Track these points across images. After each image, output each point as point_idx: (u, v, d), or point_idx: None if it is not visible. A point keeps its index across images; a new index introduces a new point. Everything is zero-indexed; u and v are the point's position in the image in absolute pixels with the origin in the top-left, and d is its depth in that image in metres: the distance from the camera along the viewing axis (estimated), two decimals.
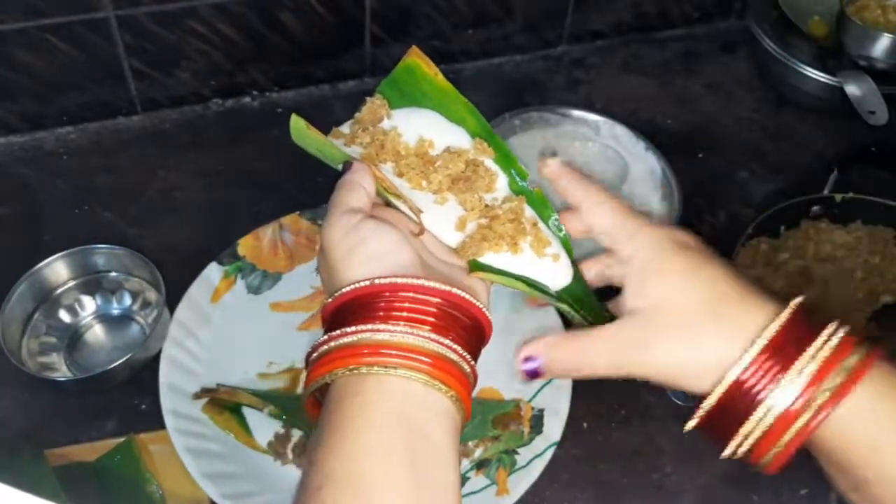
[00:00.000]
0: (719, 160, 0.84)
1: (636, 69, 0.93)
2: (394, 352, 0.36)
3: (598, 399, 0.65)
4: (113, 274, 0.66)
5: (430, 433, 0.36)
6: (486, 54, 0.90)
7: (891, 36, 0.79)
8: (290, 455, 0.58)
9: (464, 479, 0.58)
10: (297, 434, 0.59)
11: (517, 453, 0.59)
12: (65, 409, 0.60)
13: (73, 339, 0.64)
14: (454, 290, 0.38)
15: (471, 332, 0.39)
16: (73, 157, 0.76)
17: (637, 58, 0.94)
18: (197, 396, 0.59)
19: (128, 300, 0.66)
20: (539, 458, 0.58)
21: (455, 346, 0.37)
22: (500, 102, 0.85)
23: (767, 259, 0.70)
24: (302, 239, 0.69)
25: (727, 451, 0.40)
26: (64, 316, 0.64)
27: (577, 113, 0.81)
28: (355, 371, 0.36)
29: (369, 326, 0.37)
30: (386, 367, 0.36)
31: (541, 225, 0.46)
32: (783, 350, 0.37)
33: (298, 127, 0.45)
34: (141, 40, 0.73)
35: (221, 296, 0.65)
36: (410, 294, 0.37)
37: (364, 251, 0.39)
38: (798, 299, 0.39)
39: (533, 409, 0.61)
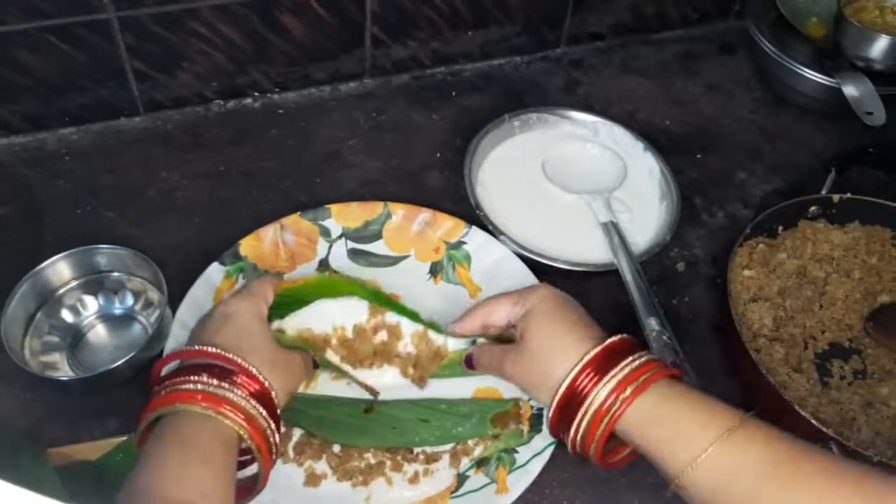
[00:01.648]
0: (717, 160, 0.84)
1: (635, 70, 0.93)
2: (228, 407, 0.50)
3: None
4: (115, 274, 0.66)
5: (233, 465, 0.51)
6: (486, 56, 0.90)
7: (888, 37, 0.79)
8: (290, 454, 0.59)
9: (464, 478, 0.58)
10: (297, 433, 0.60)
11: (517, 452, 0.59)
12: (67, 408, 0.61)
13: (75, 338, 0.64)
14: (267, 384, 0.53)
15: (276, 419, 0.53)
16: (76, 157, 0.77)
17: (636, 59, 0.94)
18: None
19: (130, 300, 0.66)
20: (538, 456, 0.58)
21: (269, 418, 0.52)
22: (499, 104, 0.85)
23: (765, 259, 0.71)
24: (303, 239, 0.70)
25: (569, 446, 0.54)
26: (66, 315, 0.65)
27: (575, 114, 0.82)
28: (192, 408, 0.49)
29: (224, 384, 0.51)
30: (218, 413, 0.49)
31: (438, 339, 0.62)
32: (602, 367, 0.52)
33: None
34: (143, 41, 0.74)
35: (223, 296, 0.65)
36: (242, 376, 0.52)
37: (252, 343, 0.55)
38: (617, 337, 0.54)
39: (532, 407, 0.61)
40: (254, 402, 0.50)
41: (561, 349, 0.54)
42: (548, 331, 0.55)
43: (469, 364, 0.60)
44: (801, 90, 0.86)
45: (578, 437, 0.53)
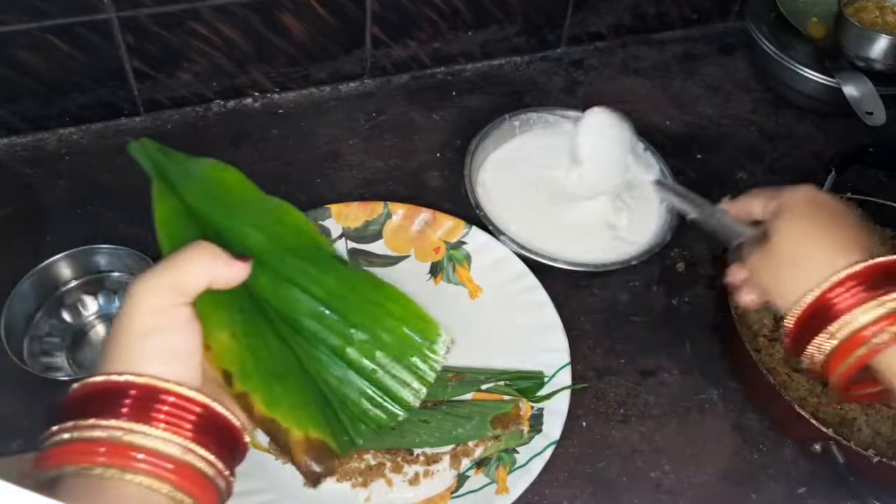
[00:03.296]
0: (717, 160, 0.84)
1: (635, 70, 0.93)
2: (142, 457, 0.32)
3: (598, 398, 0.65)
4: (115, 274, 0.66)
5: None
6: (486, 56, 0.90)
7: (888, 37, 0.79)
8: None
9: (464, 478, 0.58)
10: None
11: (517, 452, 0.59)
12: None
13: (75, 338, 0.64)
14: (216, 406, 0.35)
15: (229, 447, 0.36)
16: (76, 157, 0.77)
17: (636, 59, 0.94)
18: None
19: None
20: (538, 456, 0.58)
21: (214, 461, 0.35)
22: (499, 104, 0.85)
23: None
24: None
25: (805, 360, 0.47)
26: (66, 316, 0.65)
27: (576, 115, 0.81)
28: (87, 471, 0.32)
29: (121, 424, 0.33)
30: (126, 471, 0.32)
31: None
32: (872, 284, 0.44)
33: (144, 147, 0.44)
34: (143, 41, 0.74)
35: None
36: (172, 399, 0.34)
37: (157, 341, 0.35)
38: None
39: (532, 408, 0.61)
40: (185, 440, 0.34)
41: (816, 254, 0.47)
42: (801, 231, 0.48)
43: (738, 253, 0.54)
44: (801, 90, 0.86)
45: (820, 357, 0.46)
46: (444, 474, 0.59)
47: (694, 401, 0.66)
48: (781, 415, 0.61)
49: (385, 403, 0.42)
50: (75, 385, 0.35)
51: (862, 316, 0.44)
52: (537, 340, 0.65)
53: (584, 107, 0.84)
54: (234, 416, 0.36)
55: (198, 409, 0.34)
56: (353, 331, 0.42)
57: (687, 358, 0.68)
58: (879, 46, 0.80)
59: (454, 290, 0.69)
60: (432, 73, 0.89)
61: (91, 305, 0.66)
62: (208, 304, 0.37)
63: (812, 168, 0.83)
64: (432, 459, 0.59)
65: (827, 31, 0.86)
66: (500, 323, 0.66)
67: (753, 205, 0.53)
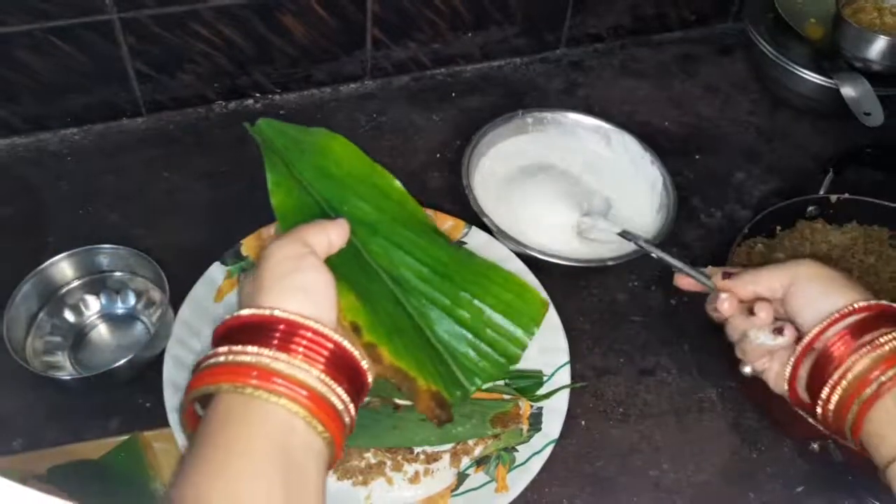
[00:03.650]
0: (716, 161, 0.85)
1: (634, 72, 0.93)
2: (283, 382, 0.37)
3: (597, 397, 0.65)
4: (117, 274, 0.66)
5: (304, 465, 0.37)
6: (486, 57, 0.90)
7: (886, 38, 0.80)
8: None
9: (463, 476, 0.59)
10: None
11: (516, 450, 0.59)
12: (69, 407, 0.61)
13: (77, 338, 0.65)
14: (348, 345, 0.40)
15: (356, 386, 0.41)
16: (78, 158, 0.77)
17: (635, 60, 0.95)
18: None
19: (132, 300, 0.66)
20: (538, 455, 0.59)
21: (342, 395, 0.39)
22: (498, 105, 0.85)
23: (763, 259, 0.71)
24: None
25: (818, 410, 0.48)
26: (68, 315, 0.65)
27: (589, 121, 0.81)
28: (240, 390, 0.37)
29: (269, 352, 0.38)
30: (270, 393, 0.37)
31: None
32: (865, 328, 0.47)
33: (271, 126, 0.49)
34: (145, 43, 0.74)
35: (224, 295, 0.65)
36: (308, 334, 0.39)
37: (295, 280, 0.41)
38: (885, 302, 0.48)
39: (532, 406, 0.61)
40: (319, 372, 0.38)
41: (831, 291, 0.49)
42: (816, 281, 0.51)
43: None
44: (799, 91, 0.86)
45: (832, 399, 0.48)
46: (444, 473, 0.59)
47: (693, 400, 0.66)
48: (780, 413, 0.61)
49: (494, 356, 0.46)
50: (228, 317, 0.40)
51: (857, 364, 0.46)
52: (537, 340, 0.64)
53: (583, 108, 0.84)
54: (362, 357, 0.41)
55: (331, 346, 0.39)
56: (461, 293, 0.47)
57: (686, 357, 0.68)
58: (877, 47, 0.81)
59: None
60: (432, 75, 0.89)
61: (93, 305, 0.66)
62: (333, 270, 0.42)
63: (810, 169, 0.83)
64: (432, 458, 0.59)
65: (825, 32, 0.87)
66: None
67: (761, 285, 0.53)
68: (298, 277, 0.41)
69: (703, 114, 0.90)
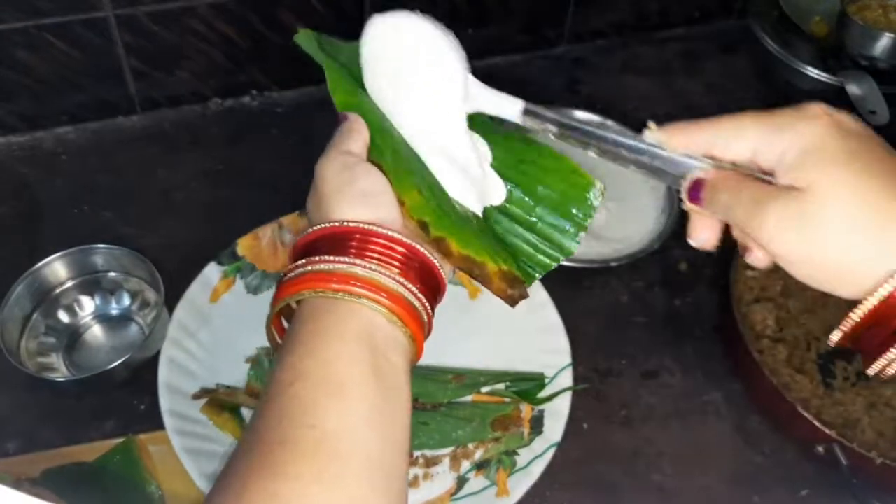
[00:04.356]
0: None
1: (636, 69, 0.92)
2: (362, 285, 0.39)
3: (599, 400, 0.65)
4: (112, 274, 0.66)
5: (391, 357, 0.39)
6: (487, 53, 0.90)
7: (892, 35, 0.79)
8: None
9: (463, 480, 0.58)
10: None
11: (517, 454, 0.59)
12: (64, 409, 0.60)
13: (72, 339, 0.64)
14: (417, 246, 0.41)
15: (430, 285, 0.42)
16: (73, 156, 0.76)
17: (637, 57, 0.94)
18: (196, 397, 0.59)
19: (127, 300, 0.66)
20: (539, 458, 0.58)
21: (418, 293, 0.40)
22: None
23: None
24: None
25: (872, 370, 0.36)
26: (63, 316, 0.64)
27: (592, 118, 0.80)
28: (323, 294, 0.39)
29: (345, 259, 0.39)
30: (351, 295, 0.39)
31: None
32: None
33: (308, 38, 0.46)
34: (140, 40, 0.73)
35: (220, 296, 0.65)
36: (381, 241, 0.40)
37: (353, 189, 0.42)
38: None
39: (533, 410, 0.61)
40: (395, 274, 0.39)
41: (883, 225, 0.33)
42: (853, 188, 0.34)
43: (695, 194, 0.39)
44: (804, 89, 0.86)
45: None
46: (443, 477, 0.58)
47: (696, 402, 0.65)
48: (784, 416, 0.61)
49: (548, 249, 0.47)
50: (305, 232, 0.42)
51: None
52: (538, 341, 0.64)
53: (585, 106, 0.84)
54: (433, 256, 0.41)
55: (402, 249, 0.40)
56: (510, 187, 0.47)
57: (689, 359, 0.68)
58: (882, 45, 0.80)
59: (454, 290, 0.69)
60: None
61: (87, 305, 0.65)
62: (393, 171, 0.42)
63: None
64: (432, 462, 0.59)
65: (830, 30, 0.86)
66: (501, 324, 0.66)
67: (738, 140, 0.39)
68: (356, 186, 0.42)
69: (707, 111, 0.87)
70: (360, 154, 0.44)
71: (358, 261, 0.39)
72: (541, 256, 0.47)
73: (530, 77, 0.90)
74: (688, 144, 0.41)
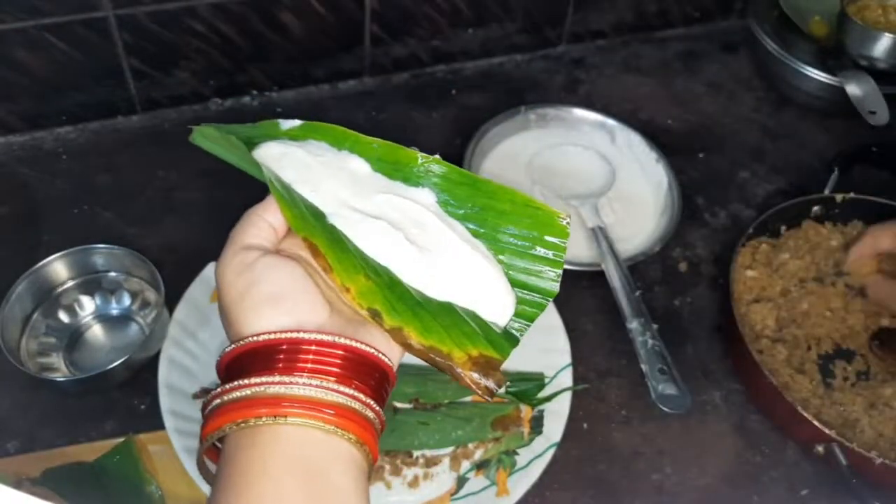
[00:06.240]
0: (720, 160, 0.84)
1: (636, 69, 0.92)
2: (290, 404, 0.34)
3: (599, 400, 0.65)
4: (112, 274, 0.66)
5: (332, 477, 0.34)
6: (486, 54, 0.90)
7: (891, 36, 0.79)
8: None
9: (463, 480, 0.58)
10: None
11: (517, 454, 0.59)
12: (64, 409, 0.60)
13: (72, 339, 0.64)
14: (353, 343, 0.36)
15: (374, 377, 0.37)
16: (73, 156, 0.76)
17: (637, 57, 0.94)
18: (196, 396, 0.59)
19: (127, 300, 0.66)
20: (539, 458, 0.58)
21: (356, 395, 0.35)
22: (499, 102, 0.85)
23: (768, 259, 0.70)
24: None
25: None
26: (63, 316, 0.64)
27: (594, 116, 0.81)
28: (244, 425, 0.34)
29: (264, 379, 0.34)
30: (277, 416, 0.34)
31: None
32: None
33: (204, 135, 0.42)
34: (140, 40, 0.73)
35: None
36: (313, 348, 0.35)
37: (257, 294, 0.36)
38: None
39: (533, 410, 0.61)
40: (326, 381, 0.35)
41: None
42: None
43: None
44: (804, 89, 0.86)
45: None
46: (443, 477, 0.58)
47: (696, 402, 0.65)
48: (784, 416, 0.61)
49: (527, 297, 0.41)
50: (223, 352, 0.37)
51: None
52: (538, 341, 0.64)
53: (585, 106, 0.84)
54: (371, 347, 0.36)
55: (336, 351, 0.35)
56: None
57: (689, 359, 0.68)
58: (882, 45, 0.80)
59: None
60: (432, 72, 0.88)
61: (88, 305, 0.65)
62: (332, 254, 0.37)
63: (815, 167, 0.82)
64: (432, 462, 0.59)
65: (830, 30, 0.86)
66: None
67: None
68: (261, 289, 0.36)
69: (707, 112, 0.89)
70: (265, 245, 0.38)
71: (280, 377, 0.34)
72: (522, 307, 0.41)
73: (530, 77, 0.90)
74: (861, 255, 0.49)
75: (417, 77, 0.88)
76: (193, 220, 0.73)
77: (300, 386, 0.34)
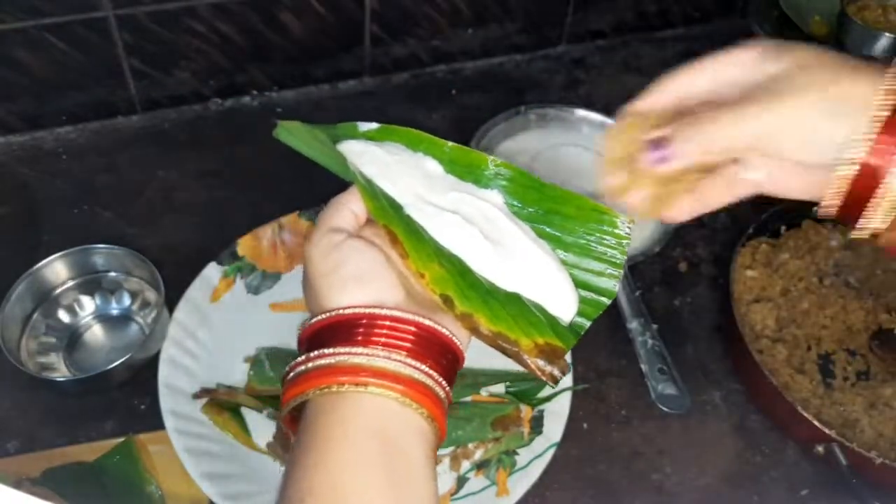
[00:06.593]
0: None
1: (636, 69, 0.92)
2: (367, 374, 0.37)
3: (599, 400, 0.65)
4: (112, 274, 0.66)
5: (405, 448, 0.37)
6: (486, 54, 0.90)
7: (891, 36, 0.79)
8: (287, 456, 0.58)
9: (463, 480, 0.58)
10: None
11: (517, 454, 0.59)
12: (64, 409, 0.60)
13: (72, 339, 0.64)
14: (427, 322, 0.38)
15: (445, 357, 0.39)
16: (73, 156, 0.76)
17: (637, 57, 0.94)
18: (196, 396, 0.59)
19: (127, 300, 0.66)
20: (539, 458, 0.58)
21: (430, 371, 0.38)
22: (500, 102, 0.84)
23: (768, 259, 0.70)
24: (301, 239, 0.69)
25: (858, 233, 0.39)
26: (63, 316, 0.64)
27: (595, 116, 0.80)
28: (327, 390, 0.37)
29: (346, 349, 0.37)
30: (357, 385, 0.36)
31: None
32: None
33: (289, 129, 0.45)
34: (140, 40, 0.73)
35: (221, 296, 0.65)
36: (387, 322, 0.38)
37: (343, 272, 0.39)
38: None
39: (533, 410, 0.61)
40: (403, 356, 0.37)
41: (849, 94, 0.37)
42: (816, 55, 0.38)
43: (660, 153, 0.43)
44: None
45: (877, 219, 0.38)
46: (443, 476, 0.58)
47: (696, 402, 0.65)
48: (784, 416, 0.61)
49: (588, 296, 0.44)
50: (305, 324, 0.40)
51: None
52: None
53: (585, 106, 0.84)
54: (445, 328, 0.39)
55: (409, 328, 0.38)
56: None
57: (689, 359, 0.68)
58: (882, 45, 0.80)
59: None
60: (432, 72, 0.88)
61: (88, 305, 0.65)
62: (409, 242, 0.40)
63: None
64: None
65: (829, 30, 0.86)
66: None
67: (728, 63, 0.41)
68: (347, 268, 0.39)
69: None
70: (348, 229, 0.41)
71: (361, 349, 0.37)
72: (583, 306, 0.44)
73: (530, 77, 0.90)
74: (655, 102, 0.46)
75: (417, 77, 0.88)
76: (193, 219, 0.73)
77: (380, 358, 0.37)
